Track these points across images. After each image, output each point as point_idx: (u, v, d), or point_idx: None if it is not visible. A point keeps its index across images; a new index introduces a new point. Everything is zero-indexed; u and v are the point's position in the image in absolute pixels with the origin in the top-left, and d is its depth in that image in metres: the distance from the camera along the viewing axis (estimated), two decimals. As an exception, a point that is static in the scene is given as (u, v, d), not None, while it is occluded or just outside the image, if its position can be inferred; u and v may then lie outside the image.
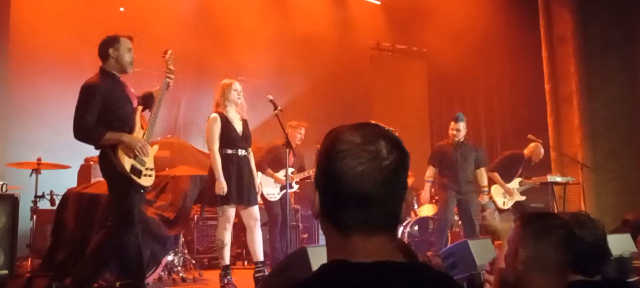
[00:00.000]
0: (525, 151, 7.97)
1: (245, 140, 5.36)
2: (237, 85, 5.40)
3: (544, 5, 9.20)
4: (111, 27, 8.11)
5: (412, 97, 11.81)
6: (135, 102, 4.44)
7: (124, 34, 4.46)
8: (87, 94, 4.22)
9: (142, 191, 4.32)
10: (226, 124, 5.28)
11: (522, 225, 2.02)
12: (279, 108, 5.39)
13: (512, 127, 8.74)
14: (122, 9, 8.88)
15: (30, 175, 6.01)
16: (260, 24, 9.42)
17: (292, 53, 9.54)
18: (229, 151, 5.26)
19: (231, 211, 5.25)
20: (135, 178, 4.22)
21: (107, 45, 4.38)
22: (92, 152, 7.01)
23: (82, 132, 4.17)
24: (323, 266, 1.21)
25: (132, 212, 4.25)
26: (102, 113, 4.20)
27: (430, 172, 7.30)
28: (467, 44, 10.23)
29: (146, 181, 4.32)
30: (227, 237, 5.27)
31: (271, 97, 5.45)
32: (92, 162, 6.83)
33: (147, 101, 4.58)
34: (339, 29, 10.52)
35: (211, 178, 5.22)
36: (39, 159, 6.01)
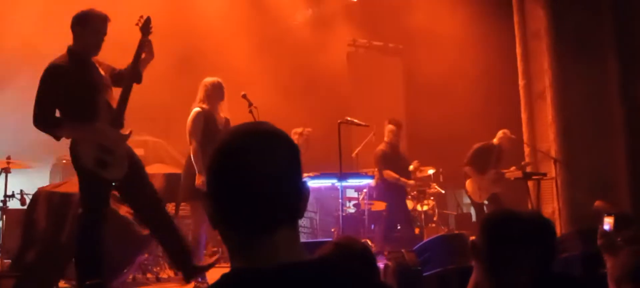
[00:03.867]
0: (494, 140, 8.09)
1: None
2: (218, 82, 5.40)
3: (518, 1, 9.29)
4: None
5: (389, 93, 11.84)
6: (103, 85, 4.19)
7: (99, 12, 4.18)
8: (45, 77, 4.01)
9: (113, 184, 4.11)
10: (209, 120, 5.27)
11: (481, 223, 2.06)
12: (253, 105, 5.37)
13: (487, 123, 8.79)
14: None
15: (-1, 174, 5.91)
16: (235, 21, 9.36)
17: (268, 50, 9.50)
18: (212, 146, 5.22)
19: None
20: (100, 171, 4.00)
21: (75, 22, 4.14)
22: (65, 150, 6.97)
23: (39, 120, 3.99)
24: (223, 276, 1.17)
25: (95, 208, 4.05)
26: (63, 99, 4.01)
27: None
28: (443, 40, 10.29)
29: (113, 173, 4.06)
30: (204, 235, 5.27)
31: (245, 94, 5.42)
32: (64, 161, 6.74)
33: (118, 80, 4.33)
34: (315, 25, 10.51)
35: (189, 172, 5.19)
36: (8, 158, 5.90)
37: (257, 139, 1.21)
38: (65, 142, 6.32)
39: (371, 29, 11.55)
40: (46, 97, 3.99)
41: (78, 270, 4.13)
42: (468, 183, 7.95)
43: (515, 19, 9.30)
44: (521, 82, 9.24)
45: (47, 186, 5.79)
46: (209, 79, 5.42)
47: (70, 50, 4.16)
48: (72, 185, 5.58)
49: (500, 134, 8.10)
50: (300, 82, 9.66)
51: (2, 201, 5.86)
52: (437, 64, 10.38)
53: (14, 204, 5.98)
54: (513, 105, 9.35)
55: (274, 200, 1.19)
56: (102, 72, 4.27)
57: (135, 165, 4.28)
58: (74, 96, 4.03)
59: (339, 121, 6.29)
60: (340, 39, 11.27)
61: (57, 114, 4.12)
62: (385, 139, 7.43)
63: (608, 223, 2.85)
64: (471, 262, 2.14)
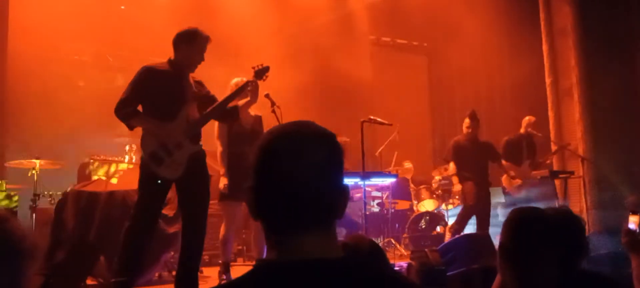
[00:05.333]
0: (521, 129, 7.97)
1: (256, 136, 5.37)
2: (242, 81, 5.43)
3: (544, -2, 9.19)
4: (111, 26, 8.18)
5: (413, 91, 11.79)
6: (190, 99, 4.36)
7: (203, 32, 4.37)
8: (140, 74, 4.28)
9: (158, 182, 4.21)
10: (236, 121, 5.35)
11: (510, 219, 2.05)
12: (276, 104, 5.39)
13: (514, 121, 8.70)
14: (122, 7, 8.89)
15: (30, 174, 6.03)
16: (259, 19, 9.41)
17: (291, 48, 9.52)
18: (239, 148, 5.31)
19: (237, 208, 5.28)
20: (152, 164, 4.17)
21: (182, 39, 4.34)
22: (91, 150, 7.09)
23: (119, 108, 4.22)
24: (255, 266, 1.24)
25: (143, 203, 4.22)
26: (150, 98, 4.24)
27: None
28: (468, 38, 10.20)
29: (165, 171, 4.20)
30: (231, 234, 5.35)
31: (268, 94, 5.44)
32: (91, 160, 6.85)
33: (207, 105, 4.50)
34: (338, 23, 10.49)
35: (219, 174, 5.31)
36: (37, 158, 6.02)
37: (295, 140, 1.24)
38: (92, 143, 6.45)
39: (395, 27, 11.50)
40: (132, 91, 4.24)
41: (117, 261, 4.26)
42: (504, 179, 7.84)
43: (542, 15, 9.19)
44: (548, 80, 9.13)
45: (75, 186, 5.90)
46: (235, 80, 5.48)
47: (170, 61, 4.39)
48: (99, 185, 5.69)
49: (524, 121, 7.99)
50: (324, 80, 9.67)
51: (31, 200, 5.98)
52: (462, 62, 10.30)
53: (43, 203, 6.10)
54: (540, 103, 9.24)
55: (307, 201, 1.22)
56: (193, 88, 4.45)
57: (194, 180, 4.38)
58: (160, 98, 4.26)
59: (362, 120, 6.27)
60: (364, 37, 11.24)
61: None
62: (463, 131, 7.51)
63: (633, 221, 2.79)
64: (495, 261, 2.13)
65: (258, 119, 5.48)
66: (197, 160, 4.39)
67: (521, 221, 2.04)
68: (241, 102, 4.63)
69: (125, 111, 4.22)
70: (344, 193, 1.27)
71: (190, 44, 4.32)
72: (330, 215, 1.26)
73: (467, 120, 7.42)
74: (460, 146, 7.40)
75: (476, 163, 7.26)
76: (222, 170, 5.28)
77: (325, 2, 10.53)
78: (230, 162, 5.28)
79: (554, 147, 8.86)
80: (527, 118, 7.98)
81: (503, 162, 7.79)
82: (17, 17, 7.46)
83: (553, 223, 2.02)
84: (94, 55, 7.61)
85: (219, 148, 5.37)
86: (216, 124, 5.39)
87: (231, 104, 4.56)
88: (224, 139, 5.35)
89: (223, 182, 5.23)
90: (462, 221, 7.33)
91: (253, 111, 5.47)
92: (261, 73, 4.56)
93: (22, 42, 7.54)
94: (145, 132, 4.27)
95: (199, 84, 4.55)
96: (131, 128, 4.39)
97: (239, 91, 4.51)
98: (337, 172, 1.27)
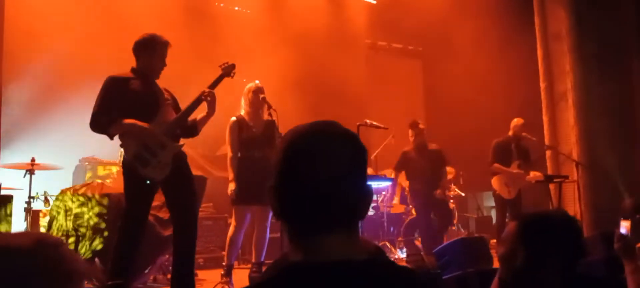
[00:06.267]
0: (509, 132, 7.97)
1: (267, 140, 5.39)
2: (254, 86, 5.46)
3: (539, 3, 9.22)
4: (104, 29, 8.16)
5: (408, 95, 11.81)
6: (164, 101, 4.35)
7: (163, 38, 4.36)
8: (105, 86, 4.23)
9: (147, 182, 4.18)
10: (243, 126, 5.42)
11: (520, 225, 2.04)
12: (272, 107, 5.40)
13: (508, 126, 8.72)
14: (122, 8, 8.86)
15: (24, 176, 6.00)
16: (254, 22, 9.41)
17: (287, 51, 9.53)
18: (250, 153, 5.36)
19: (247, 212, 5.30)
20: (138, 166, 4.13)
21: (141, 47, 4.34)
22: (86, 152, 7.08)
23: (93, 123, 4.17)
24: (278, 268, 1.22)
25: (132, 205, 4.20)
26: (123, 105, 4.17)
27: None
28: (463, 42, 10.24)
29: (150, 173, 4.16)
30: (239, 236, 5.35)
31: (264, 96, 5.45)
32: (86, 163, 6.83)
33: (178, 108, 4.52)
34: (334, 27, 10.51)
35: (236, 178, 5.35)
36: (32, 160, 6.00)
37: (318, 141, 1.23)
38: (88, 145, 6.41)
39: (391, 31, 11.53)
40: (103, 102, 4.19)
41: (111, 264, 4.24)
42: (494, 181, 7.83)
43: (536, 20, 9.23)
44: (542, 84, 9.17)
45: (70, 187, 5.88)
46: (248, 85, 5.54)
47: (133, 69, 4.38)
48: (94, 187, 5.67)
49: (513, 123, 7.98)
50: (320, 84, 9.67)
51: (26, 202, 5.96)
52: (457, 65, 10.33)
53: (38, 205, 6.08)
54: (534, 108, 9.27)
55: (331, 202, 1.20)
56: (165, 93, 4.45)
57: (181, 180, 4.36)
58: (134, 104, 4.21)
59: (358, 123, 6.29)
60: (360, 41, 11.26)
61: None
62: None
63: (625, 226, 2.80)
64: (491, 265, 2.13)
65: (270, 124, 5.40)
66: (181, 160, 4.38)
67: (533, 221, 2.04)
68: (199, 117, 4.58)
69: (101, 121, 4.16)
70: (367, 194, 1.26)
71: (150, 51, 4.31)
72: (354, 217, 1.25)
73: (410, 131, 7.64)
74: (407, 157, 7.55)
75: (424, 172, 7.36)
76: (230, 176, 5.30)
77: (321, 6, 10.56)
78: (240, 167, 5.32)
79: (548, 152, 8.88)
80: (515, 120, 7.97)
81: (494, 166, 7.80)
82: (13, 18, 7.44)
83: (555, 226, 2.03)
84: (91, 56, 7.58)
85: (229, 154, 5.41)
86: (227, 129, 5.42)
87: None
88: (235, 145, 5.40)
89: (231, 187, 5.26)
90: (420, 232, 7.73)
91: (266, 116, 5.46)
92: (228, 70, 4.58)
93: (17, 43, 7.52)
94: (125, 136, 4.21)
95: (167, 91, 4.53)
96: (111, 137, 4.29)
97: (197, 103, 4.41)
98: (360, 173, 1.25)
